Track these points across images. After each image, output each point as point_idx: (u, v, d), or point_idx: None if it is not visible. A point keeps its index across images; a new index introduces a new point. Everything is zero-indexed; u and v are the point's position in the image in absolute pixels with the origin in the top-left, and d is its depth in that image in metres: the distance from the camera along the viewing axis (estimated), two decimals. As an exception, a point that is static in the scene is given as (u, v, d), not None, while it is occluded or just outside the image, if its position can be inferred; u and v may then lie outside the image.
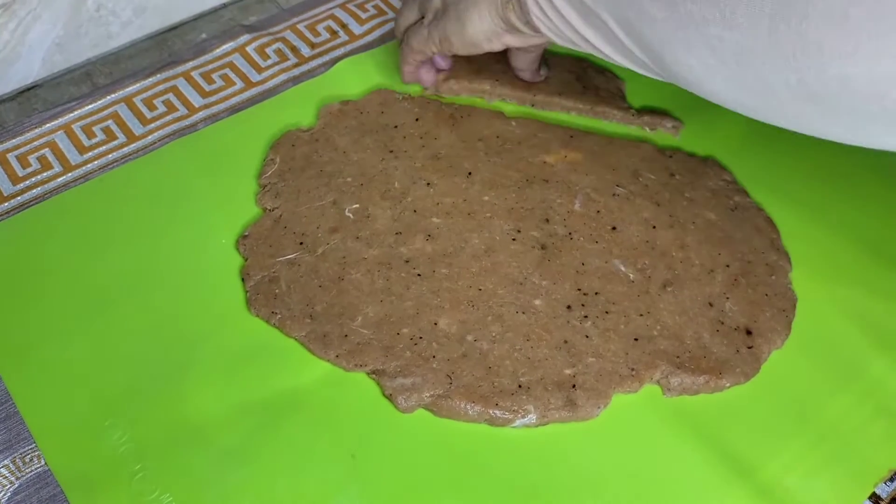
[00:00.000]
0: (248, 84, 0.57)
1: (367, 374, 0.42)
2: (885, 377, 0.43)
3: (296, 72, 0.57)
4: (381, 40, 0.59)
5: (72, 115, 0.54)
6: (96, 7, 0.57)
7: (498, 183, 0.49)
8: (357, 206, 0.48)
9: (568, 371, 0.42)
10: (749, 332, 0.44)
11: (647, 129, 0.53)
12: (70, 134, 0.54)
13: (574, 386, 0.42)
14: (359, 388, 0.42)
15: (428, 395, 0.41)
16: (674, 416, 0.42)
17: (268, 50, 0.58)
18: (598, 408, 0.41)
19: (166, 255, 0.47)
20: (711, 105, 0.55)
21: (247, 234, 0.47)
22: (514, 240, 0.47)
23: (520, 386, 0.42)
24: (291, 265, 0.46)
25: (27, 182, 0.51)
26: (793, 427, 0.41)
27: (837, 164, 0.52)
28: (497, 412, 0.41)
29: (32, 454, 0.40)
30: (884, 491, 0.40)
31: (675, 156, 0.52)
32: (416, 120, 0.53)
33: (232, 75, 0.57)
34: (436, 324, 0.43)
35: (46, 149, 0.53)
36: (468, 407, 0.41)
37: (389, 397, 0.41)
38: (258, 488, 0.39)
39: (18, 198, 0.51)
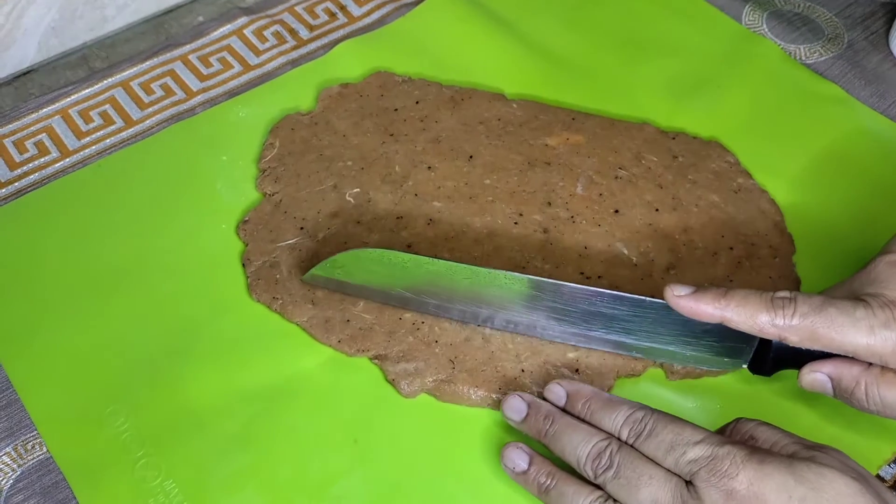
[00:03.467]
0: (247, 67, 0.56)
1: (370, 359, 0.42)
2: (889, 359, 0.43)
3: (294, 55, 0.57)
4: (381, 22, 0.58)
5: (69, 99, 0.54)
6: (91, -10, 0.56)
7: (499, 166, 0.49)
8: (358, 190, 0.48)
9: (571, 355, 0.42)
10: (753, 315, 0.44)
11: None
12: (67, 119, 0.53)
13: (577, 370, 0.41)
14: (361, 373, 0.42)
15: (431, 380, 0.41)
16: (678, 400, 0.41)
17: (265, 33, 0.58)
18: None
19: (166, 240, 0.47)
20: (714, 86, 0.55)
21: (247, 219, 0.47)
22: (516, 223, 0.47)
23: (522, 370, 0.41)
24: (292, 250, 0.45)
25: (24, 168, 0.51)
26: (796, 409, 0.41)
27: (841, 146, 0.52)
28: (500, 397, 0.41)
29: (34, 441, 0.40)
30: (888, 473, 0.40)
31: (678, 138, 0.51)
32: (417, 103, 0.52)
33: (230, 59, 0.56)
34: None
35: (43, 134, 0.52)
36: (471, 392, 0.41)
37: (392, 382, 0.41)
38: (261, 473, 0.39)
39: (16, 184, 0.50)
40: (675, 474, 0.34)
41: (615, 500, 0.35)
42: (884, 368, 0.36)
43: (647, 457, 0.35)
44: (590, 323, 0.41)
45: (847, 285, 0.39)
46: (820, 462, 0.33)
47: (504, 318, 0.42)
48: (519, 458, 0.38)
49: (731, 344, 0.40)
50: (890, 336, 0.35)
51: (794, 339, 0.36)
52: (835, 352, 0.36)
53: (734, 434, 0.36)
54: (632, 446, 0.35)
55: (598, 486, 0.36)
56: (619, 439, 0.36)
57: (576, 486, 0.36)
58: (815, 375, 0.38)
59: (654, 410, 0.36)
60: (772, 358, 0.39)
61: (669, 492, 0.33)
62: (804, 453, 0.34)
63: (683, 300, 0.37)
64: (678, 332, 0.40)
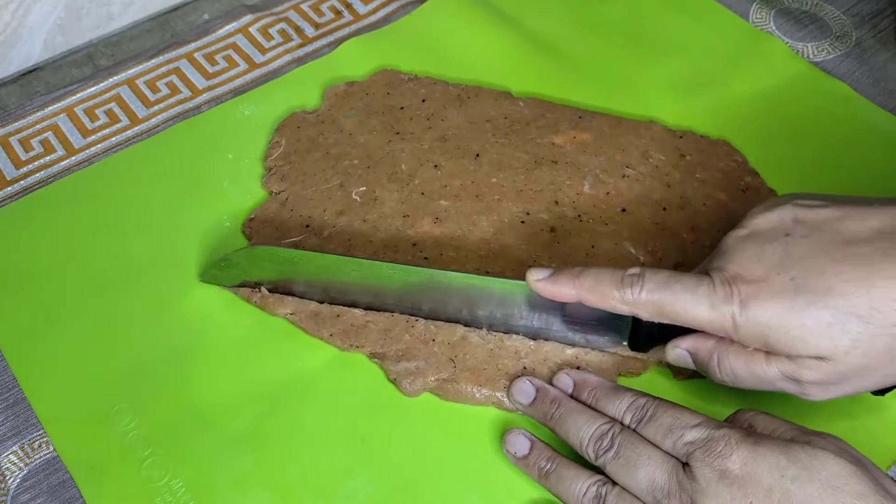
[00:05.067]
0: (252, 65, 0.56)
1: (368, 357, 0.42)
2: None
3: (300, 52, 0.57)
4: (387, 19, 0.58)
5: (74, 97, 0.54)
6: (97, -13, 0.56)
7: (506, 164, 0.49)
8: (364, 188, 0.48)
9: (570, 352, 0.42)
10: (761, 315, 0.43)
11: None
12: (73, 117, 0.53)
13: (578, 367, 0.41)
14: (367, 371, 0.42)
15: (433, 379, 0.41)
16: (684, 400, 0.41)
17: (271, 30, 0.58)
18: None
19: (171, 238, 0.47)
20: (721, 85, 0.55)
21: (253, 217, 0.47)
22: (522, 222, 0.46)
23: (524, 367, 0.41)
24: (297, 247, 0.45)
25: (30, 166, 0.51)
26: (804, 409, 0.41)
27: (849, 145, 0.51)
28: (504, 395, 0.41)
29: (41, 440, 0.40)
30: (896, 473, 0.40)
31: (686, 136, 0.51)
32: (423, 101, 0.52)
33: (235, 56, 0.56)
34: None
35: (49, 132, 0.52)
36: (475, 390, 0.41)
37: (394, 382, 0.41)
38: (268, 473, 0.39)
39: (22, 182, 0.50)
40: (674, 456, 0.35)
41: (614, 484, 0.36)
42: (732, 340, 0.36)
43: (648, 440, 0.36)
44: (475, 306, 0.42)
45: (704, 261, 0.39)
46: (815, 445, 0.33)
47: (392, 305, 0.43)
48: (520, 442, 0.39)
49: (610, 322, 0.40)
50: (728, 310, 0.35)
51: (645, 315, 0.37)
52: (683, 325, 0.37)
53: (734, 423, 0.37)
54: (634, 431, 0.36)
55: (598, 472, 0.36)
56: (622, 424, 0.37)
57: (575, 470, 0.37)
58: (677, 351, 0.38)
59: (656, 398, 0.37)
60: (644, 334, 0.40)
61: (666, 472, 0.34)
62: (801, 438, 0.34)
63: (542, 283, 0.38)
64: (561, 313, 0.41)
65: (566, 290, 0.38)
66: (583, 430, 0.37)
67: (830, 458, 0.33)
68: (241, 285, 0.44)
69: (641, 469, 0.35)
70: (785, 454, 0.33)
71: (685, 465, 0.34)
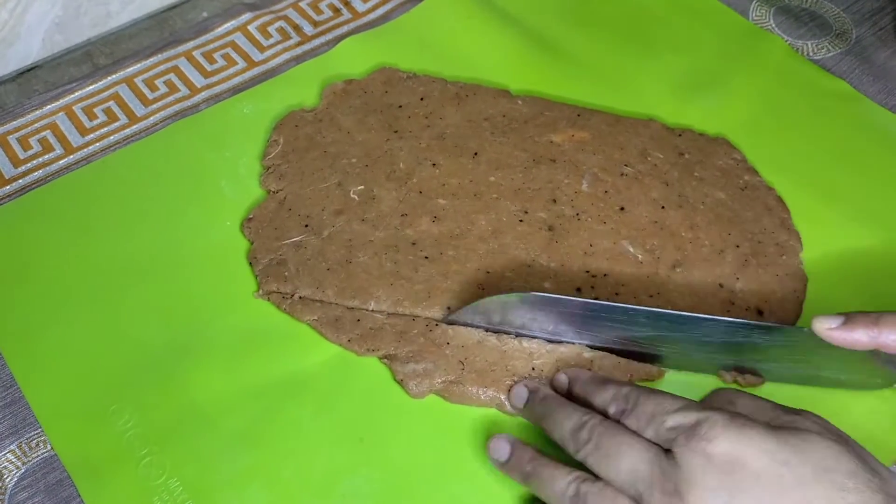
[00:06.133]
0: (251, 63, 0.56)
1: (379, 358, 0.42)
2: (897, 358, 0.43)
3: (298, 51, 0.57)
4: (385, 17, 0.58)
5: (72, 96, 0.54)
6: (95, -14, 0.56)
7: (504, 163, 0.49)
8: (362, 187, 0.48)
9: (587, 355, 0.42)
10: (760, 313, 0.43)
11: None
12: (71, 115, 0.53)
13: (590, 369, 0.41)
14: (367, 371, 0.42)
15: (440, 380, 0.41)
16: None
17: (270, 28, 0.58)
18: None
19: (170, 237, 0.47)
20: (721, 83, 0.54)
21: (251, 216, 0.47)
22: (521, 221, 0.46)
23: (533, 368, 0.41)
24: (298, 248, 0.45)
25: (28, 165, 0.51)
26: (806, 407, 0.41)
27: (848, 143, 0.51)
28: (507, 398, 0.40)
29: (38, 439, 0.40)
30: None
31: (684, 134, 0.51)
32: (421, 99, 0.52)
33: (234, 55, 0.56)
34: (448, 308, 0.43)
35: (47, 130, 0.52)
36: (480, 392, 0.41)
37: (401, 382, 0.41)
38: (266, 472, 0.39)
39: (20, 181, 0.50)
40: (657, 444, 0.34)
41: (596, 478, 0.34)
42: None
43: (633, 430, 0.35)
44: (740, 355, 0.41)
45: None
46: (801, 426, 0.33)
47: (649, 352, 0.42)
48: (501, 447, 0.38)
49: (882, 366, 0.39)
50: None
51: None
52: None
53: (714, 402, 0.36)
54: (618, 422, 0.35)
55: (580, 469, 0.35)
56: (602, 415, 0.36)
57: (553, 468, 0.35)
58: None
59: (641, 387, 0.36)
60: None
61: (647, 461, 0.33)
62: (784, 417, 0.34)
63: (836, 332, 0.37)
64: (832, 357, 0.39)
65: (863, 338, 0.36)
66: (563, 425, 0.36)
67: (818, 439, 0.33)
68: (488, 329, 0.42)
69: (623, 460, 0.33)
70: (773, 437, 0.32)
71: (668, 451, 0.33)
